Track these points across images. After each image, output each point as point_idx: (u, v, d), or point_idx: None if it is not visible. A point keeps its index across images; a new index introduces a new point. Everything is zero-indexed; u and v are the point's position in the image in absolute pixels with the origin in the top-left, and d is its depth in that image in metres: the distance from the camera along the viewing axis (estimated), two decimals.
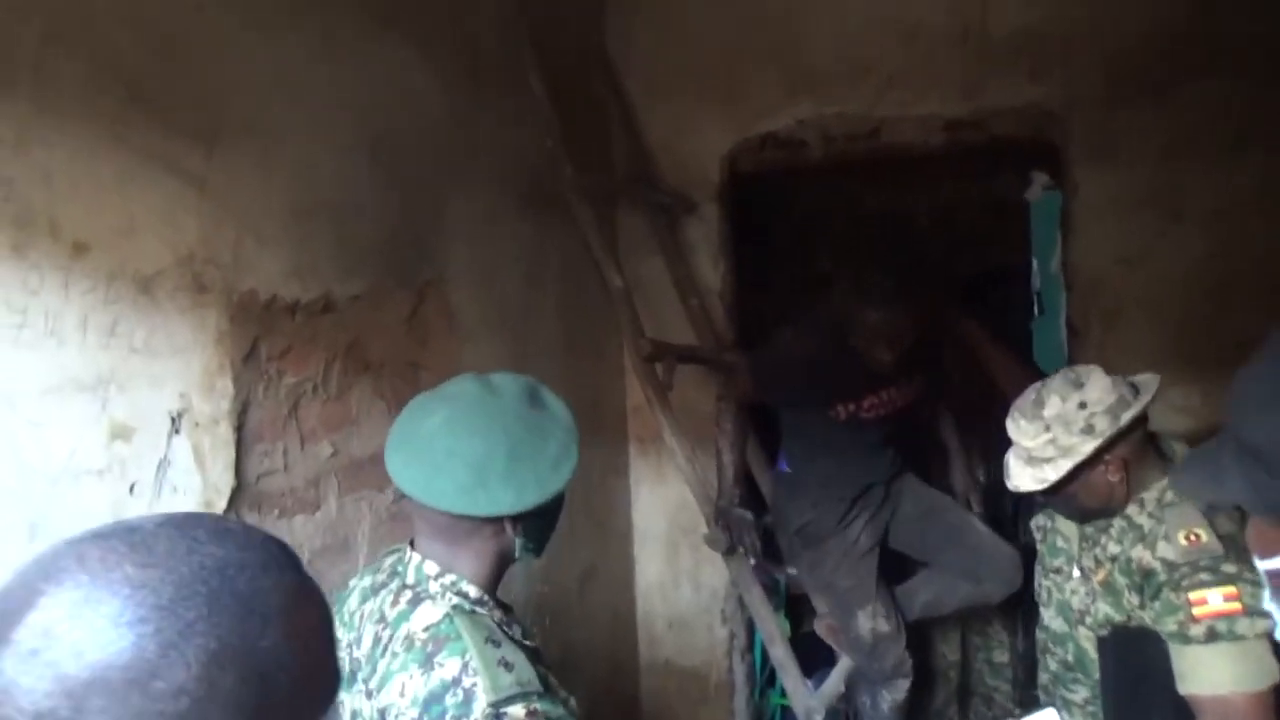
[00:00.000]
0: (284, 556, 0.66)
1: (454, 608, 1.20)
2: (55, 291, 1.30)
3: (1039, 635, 1.95)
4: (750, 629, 3.19)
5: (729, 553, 2.56)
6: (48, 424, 1.29)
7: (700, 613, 3.21)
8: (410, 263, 2.10)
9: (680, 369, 2.66)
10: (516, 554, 1.29)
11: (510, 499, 1.23)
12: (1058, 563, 1.89)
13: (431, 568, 1.26)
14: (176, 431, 1.49)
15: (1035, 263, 3.90)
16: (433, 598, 1.22)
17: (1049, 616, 1.90)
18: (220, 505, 1.56)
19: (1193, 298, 2.57)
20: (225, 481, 1.58)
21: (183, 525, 0.62)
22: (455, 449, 1.23)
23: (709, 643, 3.21)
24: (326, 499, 1.81)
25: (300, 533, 1.76)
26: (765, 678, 3.32)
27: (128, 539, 0.60)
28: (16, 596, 0.57)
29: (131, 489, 1.41)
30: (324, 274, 1.82)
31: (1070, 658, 1.83)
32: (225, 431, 1.58)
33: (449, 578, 1.25)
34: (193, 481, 1.52)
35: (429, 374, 2.11)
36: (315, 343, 1.80)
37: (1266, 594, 0.88)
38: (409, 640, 1.18)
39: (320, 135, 1.82)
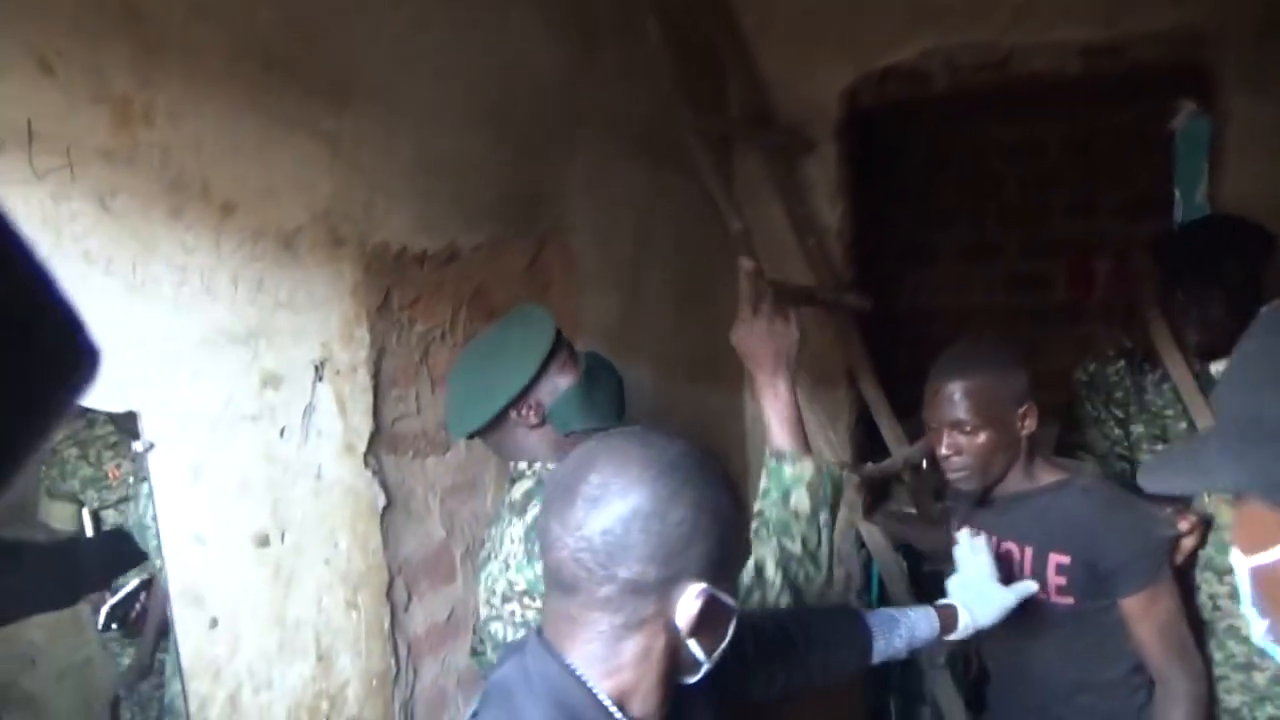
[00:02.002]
0: (718, 458, 0.96)
1: (538, 481, 1.55)
2: (208, 251, 1.40)
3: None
4: (867, 570, 3.19)
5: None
6: (206, 374, 1.40)
7: None
8: (529, 213, 2.15)
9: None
10: (560, 430, 1.56)
11: (483, 402, 1.56)
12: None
13: (523, 464, 1.59)
14: (320, 379, 1.60)
15: (1178, 194, 3.68)
16: (525, 477, 1.58)
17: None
18: (360, 448, 1.68)
19: None
20: (365, 425, 1.69)
21: (658, 432, 0.95)
22: (452, 388, 1.64)
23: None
24: (456, 441, 1.91)
25: (432, 473, 1.87)
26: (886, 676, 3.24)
27: (632, 434, 0.94)
28: (575, 471, 0.90)
29: (282, 433, 1.53)
30: (449, 226, 1.89)
31: None
32: (363, 378, 1.69)
33: (536, 464, 1.58)
34: (335, 425, 1.63)
35: None
36: (442, 291, 1.88)
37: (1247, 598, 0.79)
38: (511, 504, 1.55)
39: (442, 95, 1.87)
